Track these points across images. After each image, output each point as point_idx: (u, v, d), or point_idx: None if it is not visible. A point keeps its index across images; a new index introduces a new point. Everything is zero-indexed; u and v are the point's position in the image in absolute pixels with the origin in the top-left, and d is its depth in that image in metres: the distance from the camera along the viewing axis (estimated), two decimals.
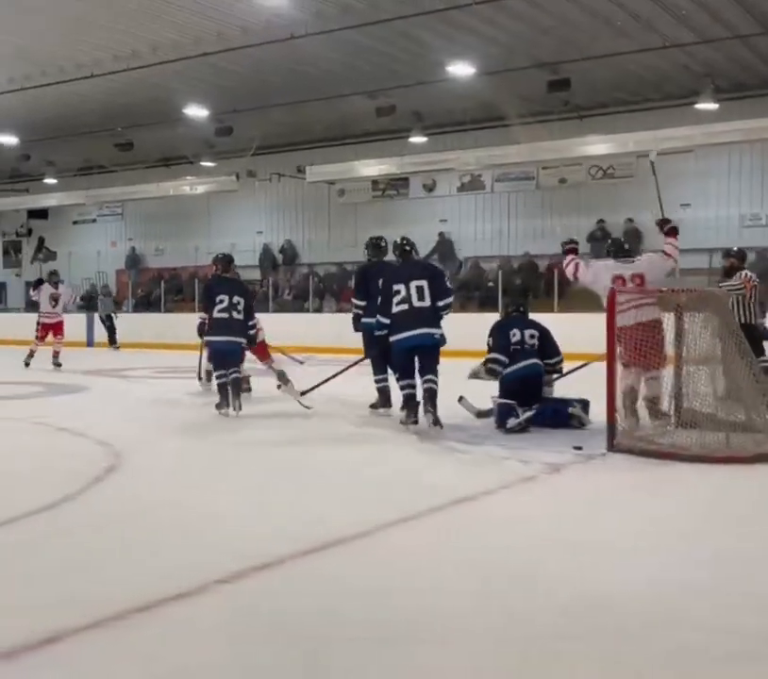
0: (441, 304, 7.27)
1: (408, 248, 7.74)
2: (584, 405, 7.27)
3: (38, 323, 14.21)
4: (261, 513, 4.55)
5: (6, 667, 2.62)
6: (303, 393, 8.33)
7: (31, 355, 13.99)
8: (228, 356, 8.37)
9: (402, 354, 7.32)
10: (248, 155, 20.79)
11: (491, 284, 18.83)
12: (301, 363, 11.64)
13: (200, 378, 10.38)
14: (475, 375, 7.65)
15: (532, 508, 4.69)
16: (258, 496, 4.97)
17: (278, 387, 8.39)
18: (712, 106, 16.34)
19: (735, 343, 6.27)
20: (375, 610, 3.11)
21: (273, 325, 10.90)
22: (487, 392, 7.52)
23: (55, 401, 10.00)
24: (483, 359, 7.52)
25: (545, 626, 2.96)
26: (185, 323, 10.84)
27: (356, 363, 8.50)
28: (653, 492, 5.11)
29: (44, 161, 23.67)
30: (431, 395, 7.03)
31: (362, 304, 8.09)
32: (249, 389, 9.37)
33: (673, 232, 7.52)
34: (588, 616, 3.06)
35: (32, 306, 15.88)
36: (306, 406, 8.28)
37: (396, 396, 7.81)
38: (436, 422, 6.90)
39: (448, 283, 7.70)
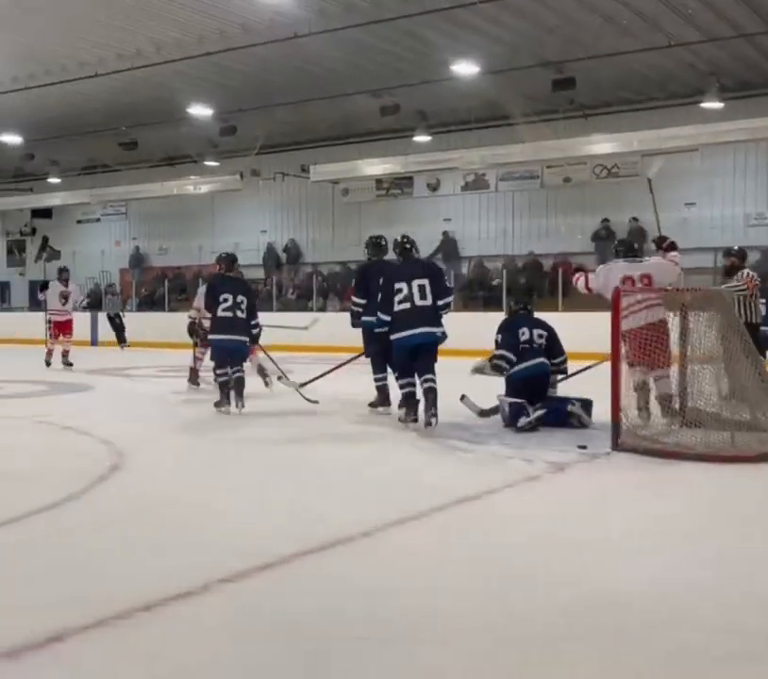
0: (441, 303, 7.30)
1: (408, 246, 7.73)
2: (586, 404, 7.25)
3: (48, 322, 14.05)
4: (263, 512, 4.54)
5: (9, 666, 2.61)
6: (302, 385, 8.52)
7: (50, 354, 13.90)
8: (233, 355, 8.43)
9: (402, 352, 7.33)
10: (252, 154, 20.80)
11: (495, 283, 18.82)
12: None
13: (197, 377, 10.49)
14: (478, 371, 7.64)
15: (536, 507, 4.67)
16: (259, 495, 4.96)
17: (279, 378, 8.57)
18: (718, 105, 16.32)
19: (740, 342, 6.25)
20: (377, 609, 3.10)
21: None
22: (487, 391, 7.52)
23: (59, 400, 10.00)
24: (490, 355, 7.51)
25: (547, 626, 2.95)
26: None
27: (353, 358, 8.60)
28: (657, 492, 5.09)
29: (48, 161, 23.71)
30: (434, 396, 7.05)
31: (362, 302, 8.09)
32: (268, 383, 9.55)
33: (672, 247, 7.55)
34: (590, 615, 3.04)
35: (38, 305, 15.84)
36: (312, 401, 8.46)
37: (395, 395, 7.84)
38: (433, 421, 6.97)
39: (448, 282, 7.71)
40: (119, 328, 20.20)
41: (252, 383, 8.78)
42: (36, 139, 21.22)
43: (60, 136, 20.72)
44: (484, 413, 7.54)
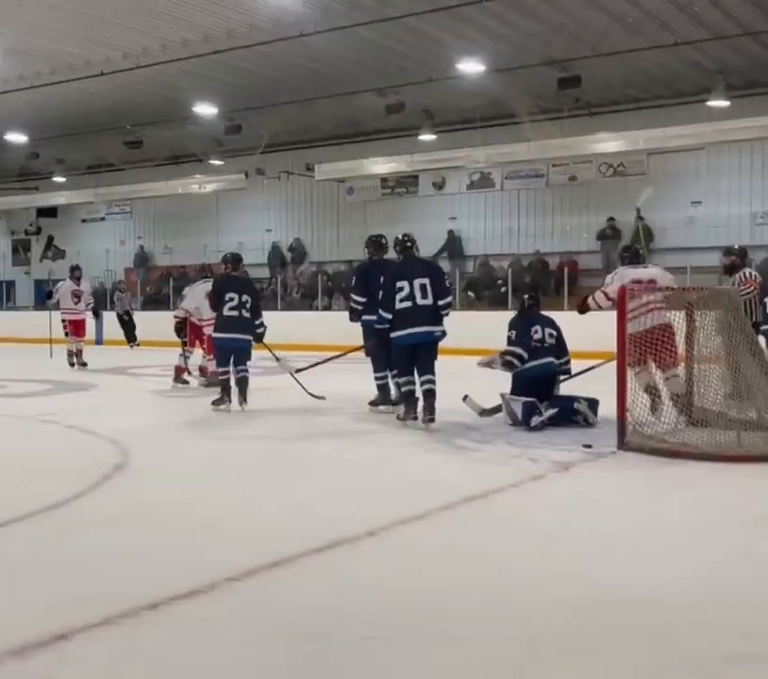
0: (442, 303, 7.37)
1: (410, 245, 7.74)
2: (592, 403, 7.26)
3: (62, 321, 13.80)
4: (269, 511, 4.54)
5: (16, 665, 2.61)
6: (298, 370, 8.88)
7: (70, 354, 13.65)
8: (238, 354, 8.51)
9: (402, 350, 7.41)
10: (257, 153, 20.78)
11: (500, 282, 18.80)
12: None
13: (202, 375, 10.54)
14: (486, 365, 7.65)
15: (541, 507, 4.66)
16: (264, 494, 4.96)
17: (278, 359, 8.84)
18: (724, 103, 16.27)
19: (745, 341, 6.24)
20: (383, 609, 3.09)
21: (281, 324, 10.90)
22: (490, 391, 7.53)
23: (63, 398, 10.00)
24: (502, 351, 7.51)
25: (554, 626, 2.94)
26: None
27: (352, 350, 8.79)
28: (663, 491, 5.09)
29: (54, 159, 23.71)
30: (432, 399, 7.17)
31: (362, 300, 8.12)
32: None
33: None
34: (596, 615, 3.04)
35: (43, 304, 15.70)
36: (319, 397, 8.64)
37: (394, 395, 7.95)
38: (430, 424, 7.11)
39: (448, 282, 7.80)
40: (129, 327, 20.07)
41: (255, 381, 8.80)
42: (41, 138, 21.22)
43: (66, 135, 20.72)
44: (485, 412, 7.56)
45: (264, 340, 8.78)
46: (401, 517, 4.26)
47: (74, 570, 3.54)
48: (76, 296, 13.78)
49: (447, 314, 7.44)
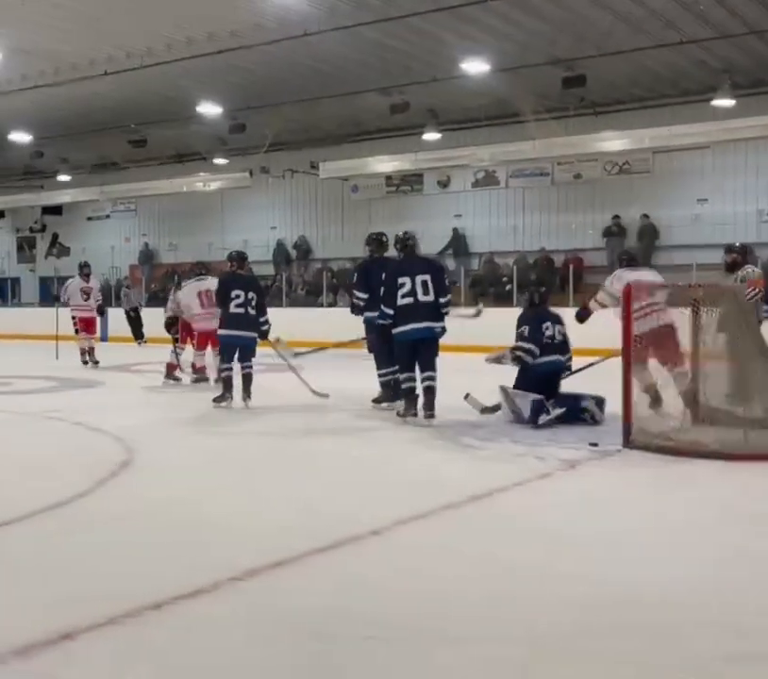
0: (442, 300, 7.49)
1: (411, 243, 7.83)
2: (599, 401, 7.25)
3: (72, 318, 13.59)
4: (273, 509, 4.54)
5: (21, 664, 2.61)
6: (297, 354, 9.02)
7: (83, 352, 13.43)
8: (243, 351, 8.60)
9: (404, 346, 7.50)
10: (261, 151, 20.77)
11: (505, 279, 18.77)
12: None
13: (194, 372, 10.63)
14: (496, 360, 7.65)
15: (547, 505, 4.66)
16: (268, 492, 4.96)
17: (278, 339, 8.92)
18: (729, 102, 16.21)
19: (752, 340, 6.22)
20: (387, 608, 3.09)
21: (287, 321, 10.89)
22: (492, 387, 7.54)
23: (69, 395, 10.00)
24: (512, 346, 7.50)
25: (558, 625, 2.94)
26: None
27: (354, 341, 8.89)
28: (669, 490, 5.07)
29: (58, 158, 23.71)
30: (432, 396, 7.31)
31: (364, 296, 8.17)
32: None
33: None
34: (600, 614, 3.03)
35: (48, 301, 15.58)
36: (322, 395, 8.67)
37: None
38: (431, 420, 7.24)
39: (447, 281, 7.90)
40: (136, 323, 19.92)
41: (259, 378, 8.81)
42: (46, 136, 21.21)
43: (70, 134, 20.72)
44: (487, 410, 7.58)
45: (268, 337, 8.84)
46: (405, 516, 4.25)
47: (78, 568, 3.53)
48: (86, 293, 13.60)
49: (448, 312, 7.55)
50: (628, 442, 6.08)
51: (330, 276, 21.39)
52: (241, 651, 2.71)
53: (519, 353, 7.41)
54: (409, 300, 7.37)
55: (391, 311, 7.45)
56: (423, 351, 7.45)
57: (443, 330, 7.49)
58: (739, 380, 6.33)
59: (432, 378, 7.36)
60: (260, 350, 8.87)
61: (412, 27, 14.06)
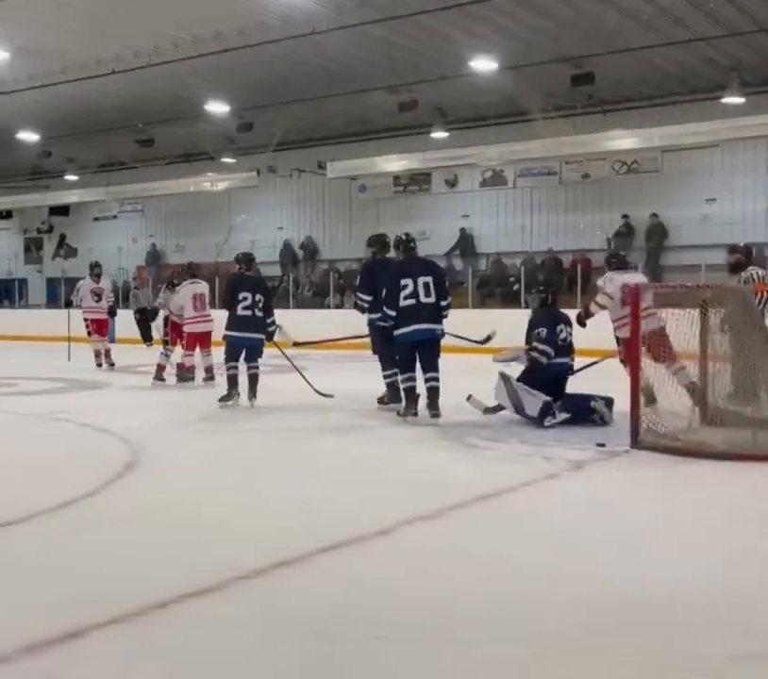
0: (444, 303, 7.60)
1: (412, 245, 7.95)
2: (608, 402, 7.24)
3: (85, 320, 13.37)
4: (279, 509, 4.53)
5: (29, 662, 2.62)
6: (296, 344, 9.18)
7: (98, 354, 13.25)
8: (250, 352, 8.68)
9: (405, 347, 7.58)
10: (269, 151, 20.74)
11: (513, 279, 18.73)
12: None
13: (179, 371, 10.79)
14: (507, 361, 7.60)
15: (555, 506, 4.64)
16: (275, 492, 4.96)
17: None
18: (739, 100, 16.15)
19: (760, 339, 6.17)
20: (393, 608, 3.08)
21: (293, 322, 10.88)
22: (490, 390, 7.50)
23: (76, 397, 10.01)
24: (530, 347, 7.48)
25: (566, 625, 2.92)
26: None
27: (358, 336, 8.95)
28: (677, 490, 5.05)
29: (65, 158, 23.75)
30: (436, 396, 7.38)
31: (368, 298, 8.18)
32: (212, 378, 10.28)
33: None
34: (607, 614, 3.01)
35: (55, 302, 15.52)
36: (327, 395, 8.73)
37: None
38: (436, 419, 7.31)
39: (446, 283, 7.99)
40: (145, 324, 19.78)
41: (266, 379, 8.83)
42: (53, 136, 21.26)
43: (77, 133, 20.74)
44: (489, 411, 7.58)
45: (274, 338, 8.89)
46: (413, 516, 4.24)
47: (84, 568, 3.53)
48: (97, 294, 13.34)
49: (447, 315, 7.65)
50: (636, 443, 6.05)
51: (337, 277, 21.35)
52: (247, 650, 2.72)
53: (535, 354, 7.41)
54: (411, 301, 7.43)
55: (393, 313, 7.51)
56: (425, 352, 7.52)
57: (443, 332, 7.60)
58: (744, 380, 6.30)
59: (436, 379, 7.43)
60: (267, 351, 8.90)
61: (420, 25, 14.03)
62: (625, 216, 18.81)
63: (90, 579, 3.40)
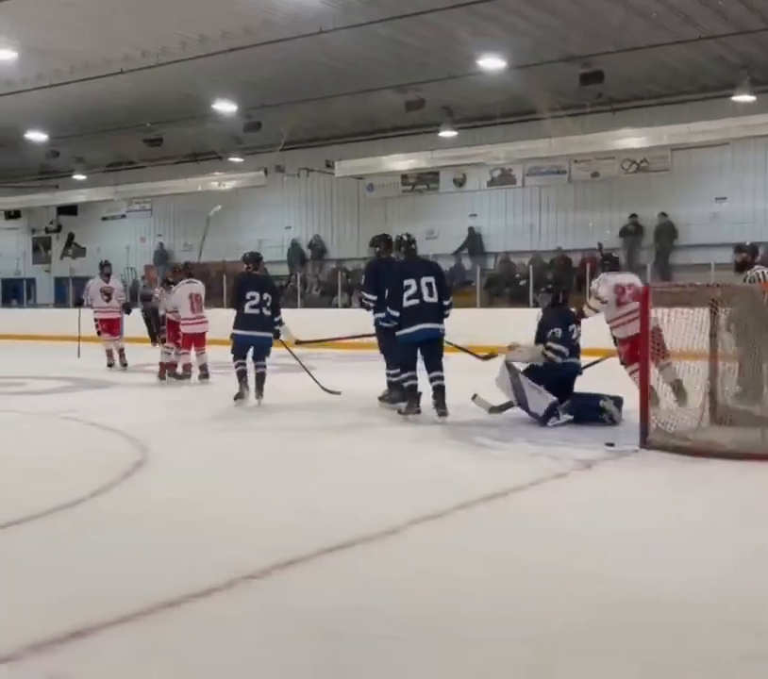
0: (446, 303, 7.67)
1: (414, 246, 8.01)
2: (617, 401, 7.22)
3: (94, 320, 13.21)
4: (286, 509, 4.52)
5: (37, 661, 2.63)
6: (299, 342, 9.24)
7: (109, 354, 13.09)
8: (258, 350, 8.74)
9: (409, 347, 7.61)
10: (276, 150, 20.75)
11: (520, 278, 18.68)
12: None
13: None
14: (519, 360, 7.55)
15: (563, 505, 4.62)
16: (282, 492, 4.95)
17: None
18: (749, 98, 16.09)
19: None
20: (400, 608, 3.06)
21: (301, 322, 10.89)
22: (495, 389, 7.49)
23: (84, 396, 10.02)
24: (546, 346, 7.46)
25: (574, 625, 2.91)
26: (214, 319, 10.92)
27: (363, 336, 9.04)
28: (686, 490, 5.03)
29: (73, 158, 23.79)
30: (443, 394, 7.41)
31: (374, 298, 8.21)
32: (207, 375, 10.61)
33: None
34: (615, 614, 3.00)
35: (63, 302, 15.49)
36: (334, 392, 8.82)
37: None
38: (444, 417, 7.34)
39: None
40: (155, 323, 19.72)
41: (274, 378, 8.84)
42: (61, 136, 21.30)
43: (85, 133, 20.77)
44: (494, 410, 7.59)
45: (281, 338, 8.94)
46: (420, 515, 4.22)
47: (91, 568, 3.53)
48: (106, 294, 13.15)
49: (448, 315, 7.70)
50: (645, 442, 6.02)
51: (345, 276, 21.34)
52: (255, 650, 2.72)
53: (551, 354, 7.41)
54: (415, 302, 7.48)
55: (396, 313, 7.54)
56: (429, 351, 7.55)
57: (444, 332, 7.66)
58: (752, 379, 6.27)
59: (441, 378, 7.45)
60: (274, 350, 8.91)
61: (427, 24, 14.00)
62: (633, 215, 18.74)
63: (96, 578, 3.40)
